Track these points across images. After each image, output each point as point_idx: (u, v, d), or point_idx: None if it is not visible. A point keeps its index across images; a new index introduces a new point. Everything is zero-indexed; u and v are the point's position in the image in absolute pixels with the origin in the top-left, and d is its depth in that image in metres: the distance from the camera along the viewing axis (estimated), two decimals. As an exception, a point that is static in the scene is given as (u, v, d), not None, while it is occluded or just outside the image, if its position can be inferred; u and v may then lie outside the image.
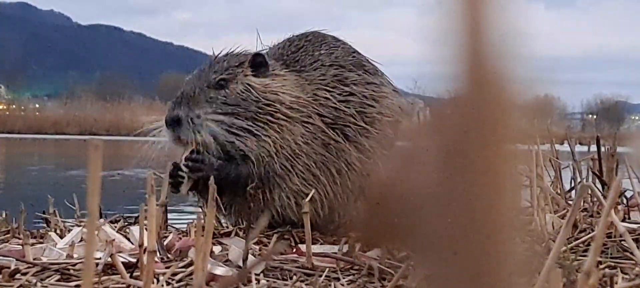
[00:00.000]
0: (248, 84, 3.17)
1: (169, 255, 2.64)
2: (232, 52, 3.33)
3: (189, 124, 3.09)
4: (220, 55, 3.31)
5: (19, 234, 3.08)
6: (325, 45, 3.40)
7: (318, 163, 3.20)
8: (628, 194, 3.42)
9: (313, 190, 3.02)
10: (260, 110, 3.15)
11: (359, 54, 3.46)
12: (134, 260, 2.38)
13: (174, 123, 3.10)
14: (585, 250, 2.54)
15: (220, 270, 2.33)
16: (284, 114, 3.17)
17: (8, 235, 3.13)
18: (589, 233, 2.73)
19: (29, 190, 9.17)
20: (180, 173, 3.10)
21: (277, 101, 3.17)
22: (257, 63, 3.24)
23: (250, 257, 2.48)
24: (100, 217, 3.44)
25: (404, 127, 3.39)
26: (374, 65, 3.46)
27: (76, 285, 2.27)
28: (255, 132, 3.12)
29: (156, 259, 2.39)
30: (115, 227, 3.29)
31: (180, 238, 2.83)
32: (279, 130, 3.15)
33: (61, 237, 2.97)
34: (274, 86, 3.20)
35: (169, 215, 3.37)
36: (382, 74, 3.47)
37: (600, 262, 2.42)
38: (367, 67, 3.41)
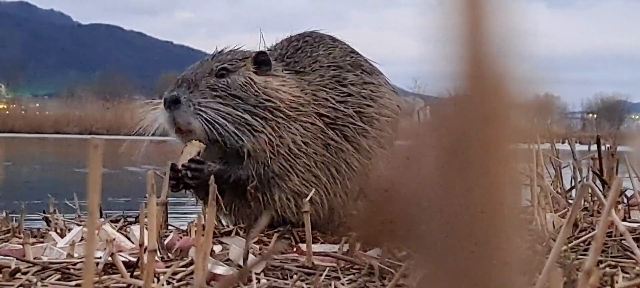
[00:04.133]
0: (249, 78, 3.18)
1: (169, 255, 2.64)
2: (236, 48, 3.35)
3: (188, 107, 3.08)
4: (225, 50, 3.34)
5: (19, 233, 3.08)
6: (323, 45, 3.40)
7: (318, 163, 3.20)
8: (628, 193, 3.41)
9: (313, 190, 3.02)
10: (259, 105, 3.15)
11: (357, 53, 3.46)
12: (135, 260, 2.37)
13: (172, 103, 3.10)
14: (586, 250, 2.54)
15: (220, 270, 2.33)
16: (282, 112, 3.17)
17: (8, 235, 3.13)
18: (590, 232, 2.73)
19: (29, 189, 9.17)
20: (178, 174, 3.10)
21: (277, 98, 3.17)
22: (260, 60, 3.26)
23: (250, 256, 2.48)
24: (101, 216, 3.44)
25: (403, 126, 3.39)
26: (371, 65, 3.46)
27: (77, 285, 2.27)
28: (253, 126, 3.11)
29: (156, 258, 2.39)
30: (116, 226, 3.29)
31: (180, 237, 2.83)
32: (276, 128, 3.15)
33: (61, 236, 2.97)
34: (275, 84, 3.21)
35: (170, 214, 3.37)
36: (379, 74, 3.47)
37: (600, 261, 2.42)
38: (364, 67, 3.41)
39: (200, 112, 3.07)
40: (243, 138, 3.10)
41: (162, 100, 3.14)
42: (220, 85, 3.14)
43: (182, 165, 3.09)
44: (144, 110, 3.29)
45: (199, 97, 3.10)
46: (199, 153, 3.11)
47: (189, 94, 3.10)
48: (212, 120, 3.07)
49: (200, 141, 3.11)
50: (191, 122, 3.08)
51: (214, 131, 3.07)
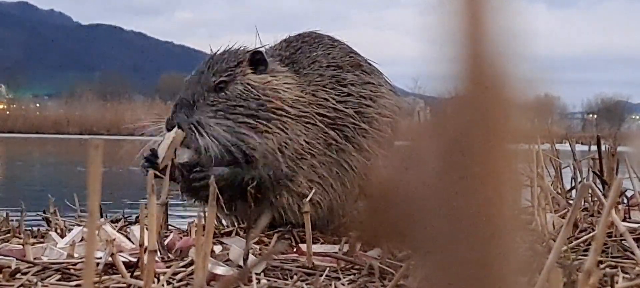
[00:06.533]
0: (248, 84, 3.15)
1: (169, 255, 2.64)
2: (230, 49, 3.28)
3: (191, 130, 3.07)
4: (218, 54, 3.26)
5: (19, 234, 3.08)
6: (322, 45, 3.39)
7: (322, 163, 3.18)
8: (629, 194, 3.41)
9: (313, 191, 3.02)
10: (261, 107, 3.13)
11: (356, 53, 3.45)
12: (135, 260, 2.38)
13: (174, 129, 3.08)
14: (586, 250, 2.54)
15: (220, 270, 2.33)
16: (286, 112, 3.15)
17: (9, 235, 3.13)
18: (590, 232, 2.73)
19: (30, 189, 9.17)
20: (157, 160, 3.04)
21: (278, 98, 3.15)
22: (256, 60, 3.22)
23: (250, 256, 2.48)
24: (101, 217, 3.44)
25: (403, 126, 3.39)
26: (370, 65, 3.46)
27: (77, 285, 2.27)
28: (258, 129, 3.10)
29: (157, 259, 2.39)
30: (116, 226, 3.29)
31: (181, 237, 2.83)
32: (282, 127, 3.13)
33: (62, 237, 2.97)
34: (275, 83, 3.19)
35: (170, 215, 3.37)
36: (379, 74, 3.46)
37: (600, 262, 2.42)
38: (364, 67, 3.40)
39: (204, 134, 3.05)
40: (251, 144, 3.08)
41: (164, 127, 3.12)
42: (220, 99, 3.11)
43: (188, 172, 3.07)
44: (146, 124, 3.27)
45: (201, 118, 3.07)
46: (181, 143, 3.08)
47: (190, 116, 3.07)
48: (218, 139, 3.05)
49: (200, 155, 3.09)
50: (195, 143, 3.06)
51: (221, 148, 3.05)
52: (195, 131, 3.06)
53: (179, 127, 3.06)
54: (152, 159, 3.05)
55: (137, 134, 3.32)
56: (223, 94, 3.12)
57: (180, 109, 3.11)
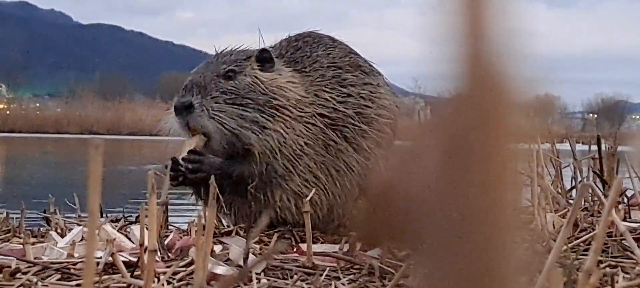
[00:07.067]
0: (256, 77, 3.20)
1: (169, 254, 2.64)
2: (237, 48, 3.36)
3: (201, 112, 3.09)
4: (226, 50, 3.34)
5: (19, 233, 3.08)
6: (323, 46, 3.41)
7: (319, 164, 3.21)
8: (629, 193, 3.41)
9: (313, 190, 3.02)
10: (267, 103, 3.16)
11: (356, 54, 3.47)
12: (135, 260, 2.38)
13: (184, 109, 3.11)
14: (586, 250, 2.54)
15: (221, 269, 2.33)
16: (289, 111, 3.18)
17: (9, 235, 3.13)
18: (590, 232, 2.73)
19: (30, 189, 9.17)
20: (179, 168, 3.10)
21: (283, 96, 3.19)
22: (263, 58, 3.27)
23: (250, 256, 2.48)
24: (101, 216, 3.44)
25: (403, 126, 3.40)
26: (370, 66, 3.47)
27: (77, 285, 2.27)
28: (262, 124, 3.13)
29: (157, 258, 2.39)
30: (116, 226, 3.29)
31: (181, 237, 2.83)
32: (284, 126, 3.16)
33: (62, 236, 2.97)
34: (280, 81, 3.23)
35: (170, 214, 3.38)
36: (378, 74, 3.48)
37: (601, 261, 2.42)
38: (363, 67, 3.42)
39: (214, 116, 3.08)
40: (252, 137, 3.11)
41: (174, 107, 3.14)
42: (229, 87, 3.15)
43: (182, 158, 3.10)
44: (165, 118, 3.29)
45: (211, 101, 3.11)
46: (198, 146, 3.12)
47: (201, 98, 3.11)
48: (226, 124, 3.08)
49: (208, 139, 3.12)
50: (205, 126, 3.09)
51: (228, 133, 3.09)
52: (206, 113, 3.08)
53: (190, 107, 3.07)
54: (176, 168, 3.08)
55: (159, 134, 3.33)
56: (232, 82, 3.17)
57: (189, 90, 3.14)
